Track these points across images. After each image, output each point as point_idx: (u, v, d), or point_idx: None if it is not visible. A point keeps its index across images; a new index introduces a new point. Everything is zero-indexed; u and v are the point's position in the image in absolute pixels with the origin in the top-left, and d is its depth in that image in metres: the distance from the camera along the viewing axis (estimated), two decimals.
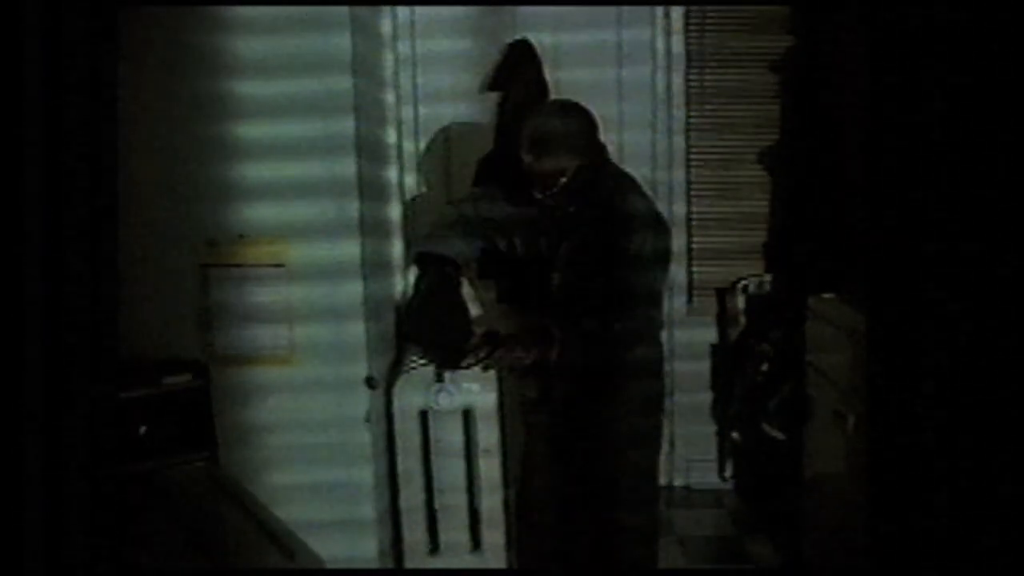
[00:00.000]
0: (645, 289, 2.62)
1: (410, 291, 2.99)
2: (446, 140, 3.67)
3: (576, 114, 2.59)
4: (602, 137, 2.63)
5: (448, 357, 2.75)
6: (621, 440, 2.75)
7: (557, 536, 2.91)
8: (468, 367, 2.65)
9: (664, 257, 2.66)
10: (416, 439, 3.03)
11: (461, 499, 3.06)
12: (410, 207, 3.57)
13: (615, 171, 2.71)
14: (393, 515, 3.08)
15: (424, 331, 2.78)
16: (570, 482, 2.84)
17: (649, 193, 2.74)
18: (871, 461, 2.31)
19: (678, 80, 4.08)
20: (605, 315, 2.57)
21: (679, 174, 4.13)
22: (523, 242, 2.76)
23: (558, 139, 2.51)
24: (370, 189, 2.92)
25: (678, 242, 4.13)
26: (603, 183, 2.63)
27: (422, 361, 3.00)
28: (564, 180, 2.52)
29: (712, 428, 4.26)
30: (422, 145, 3.62)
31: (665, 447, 4.20)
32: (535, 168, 2.51)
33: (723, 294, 4.16)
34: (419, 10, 3.54)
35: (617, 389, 2.74)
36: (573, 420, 2.79)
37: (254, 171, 2.73)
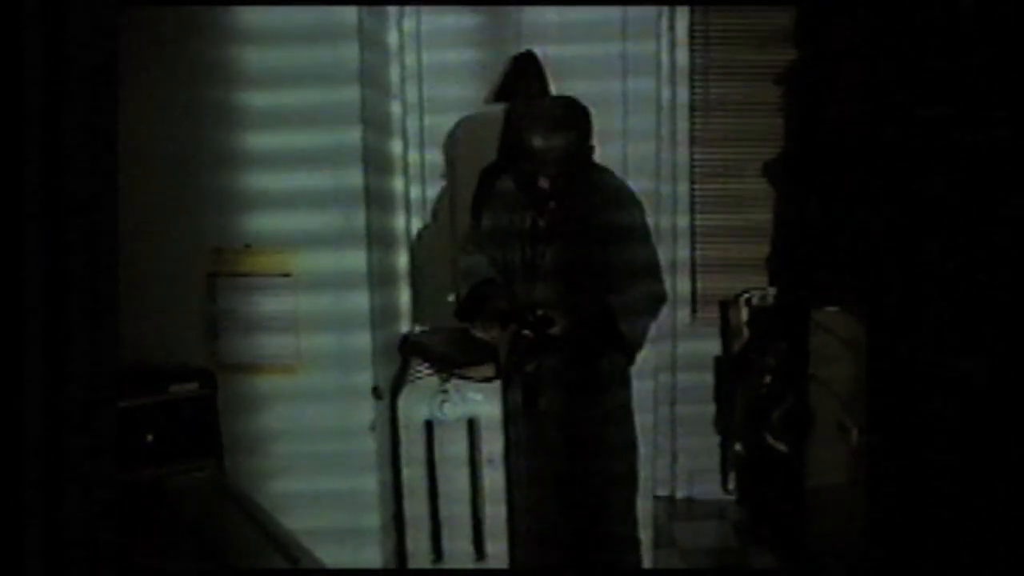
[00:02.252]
0: (641, 261, 2.80)
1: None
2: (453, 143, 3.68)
3: (576, 104, 2.75)
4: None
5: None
6: (601, 447, 2.87)
7: (546, 545, 2.95)
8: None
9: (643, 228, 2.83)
10: (421, 448, 3.03)
11: (465, 508, 3.06)
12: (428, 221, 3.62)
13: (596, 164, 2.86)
14: (397, 524, 3.08)
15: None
16: (553, 490, 2.92)
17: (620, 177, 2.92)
18: (870, 473, 2.31)
19: (683, 93, 4.10)
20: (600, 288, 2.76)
21: (683, 186, 4.14)
22: (521, 234, 2.84)
23: (572, 117, 2.67)
24: (376, 199, 2.93)
25: (682, 254, 4.15)
26: (594, 170, 2.81)
27: (427, 370, 3.02)
28: (574, 162, 2.66)
29: (715, 440, 4.26)
30: (428, 156, 3.63)
31: (668, 458, 4.24)
32: (552, 147, 2.62)
33: (726, 306, 4.16)
34: (425, 22, 3.55)
35: (595, 396, 2.85)
36: (555, 428, 2.87)
37: (262, 181, 2.75)
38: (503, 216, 2.85)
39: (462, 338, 3.05)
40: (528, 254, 2.79)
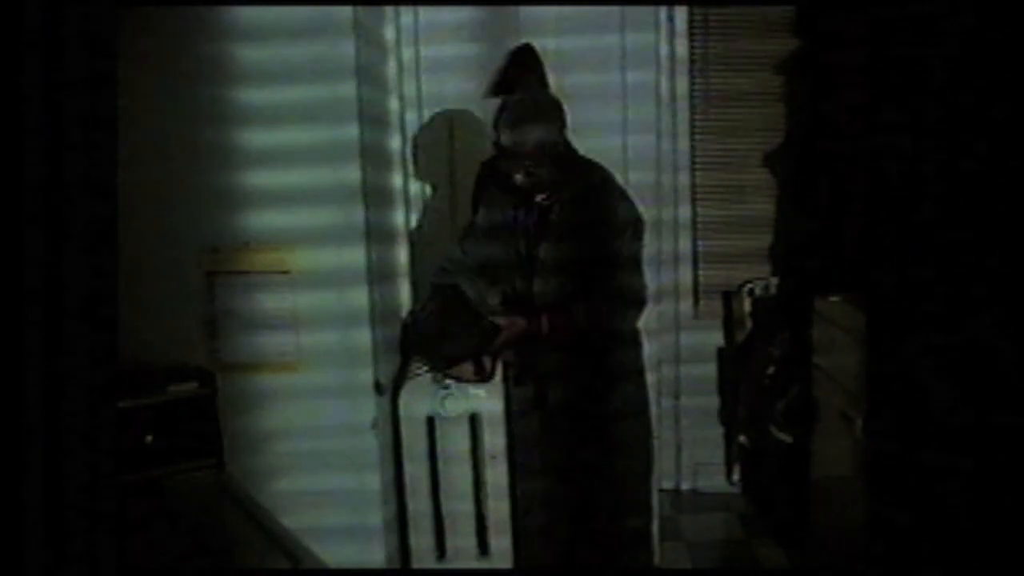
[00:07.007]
0: (622, 256, 2.79)
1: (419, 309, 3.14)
2: (450, 140, 3.67)
3: (546, 95, 2.84)
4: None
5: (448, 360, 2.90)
6: (613, 443, 2.86)
7: (556, 540, 2.94)
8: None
9: (635, 225, 2.83)
10: (423, 445, 3.03)
11: (468, 505, 3.06)
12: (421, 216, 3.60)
13: (580, 157, 2.86)
14: (400, 521, 3.07)
15: (431, 342, 2.97)
16: (565, 485, 2.91)
17: (611, 172, 2.91)
18: (870, 463, 2.31)
19: (682, 84, 4.08)
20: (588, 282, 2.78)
21: (684, 177, 4.13)
22: (513, 236, 2.86)
23: (539, 112, 2.70)
24: (375, 195, 2.92)
25: (684, 246, 4.14)
26: (575, 162, 2.81)
27: (424, 368, 3.01)
28: (546, 155, 2.68)
29: (719, 431, 4.25)
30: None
31: (672, 450, 4.23)
32: (521, 143, 2.65)
33: (729, 297, 4.15)
34: (422, 16, 3.54)
35: (606, 391, 2.85)
36: (566, 423, 2.87)
37: (260, 178, 2.74)
38: (496, 213, 2.87)
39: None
40: (522, 250, 2.79)
